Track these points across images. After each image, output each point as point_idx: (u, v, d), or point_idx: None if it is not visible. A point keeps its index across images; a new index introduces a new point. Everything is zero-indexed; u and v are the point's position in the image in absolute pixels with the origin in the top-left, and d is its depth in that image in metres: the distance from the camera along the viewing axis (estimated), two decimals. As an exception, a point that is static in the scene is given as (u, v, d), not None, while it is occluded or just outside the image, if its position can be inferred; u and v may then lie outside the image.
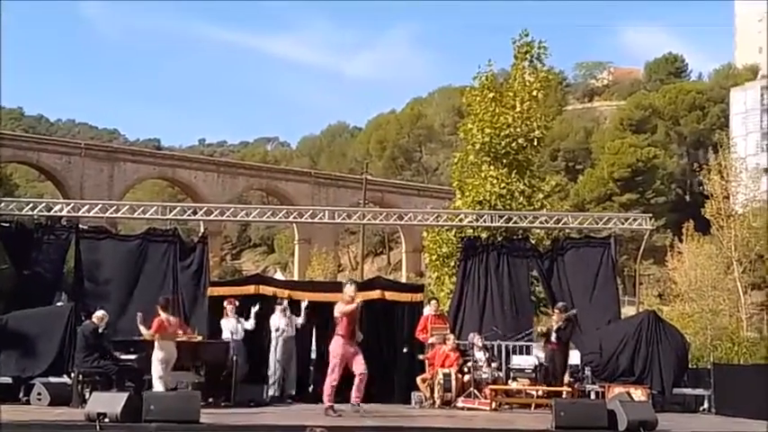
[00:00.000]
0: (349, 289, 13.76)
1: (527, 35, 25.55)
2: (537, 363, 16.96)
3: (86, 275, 17.99)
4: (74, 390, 14.48)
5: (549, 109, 30.37)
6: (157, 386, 13.49)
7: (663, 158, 71.81)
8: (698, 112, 78.03)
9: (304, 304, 16.83)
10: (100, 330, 14.85)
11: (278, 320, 16.49)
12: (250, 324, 16.42)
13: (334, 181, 73.95)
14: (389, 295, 17.97)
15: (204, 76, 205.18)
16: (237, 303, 16.53)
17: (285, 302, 16.79)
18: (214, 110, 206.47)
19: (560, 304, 16.79)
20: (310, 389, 17.10)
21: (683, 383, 16.88)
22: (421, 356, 16.87)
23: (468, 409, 15.34)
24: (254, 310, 16.48)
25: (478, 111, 24.87)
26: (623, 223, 19.45)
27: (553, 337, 16.07)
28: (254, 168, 75.54)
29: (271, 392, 16.05)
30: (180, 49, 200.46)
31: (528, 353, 17.40)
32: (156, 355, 13.78)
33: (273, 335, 16.45)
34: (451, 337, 16.66)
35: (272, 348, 16.45)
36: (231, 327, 16.21)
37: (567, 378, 16.14)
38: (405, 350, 17.40)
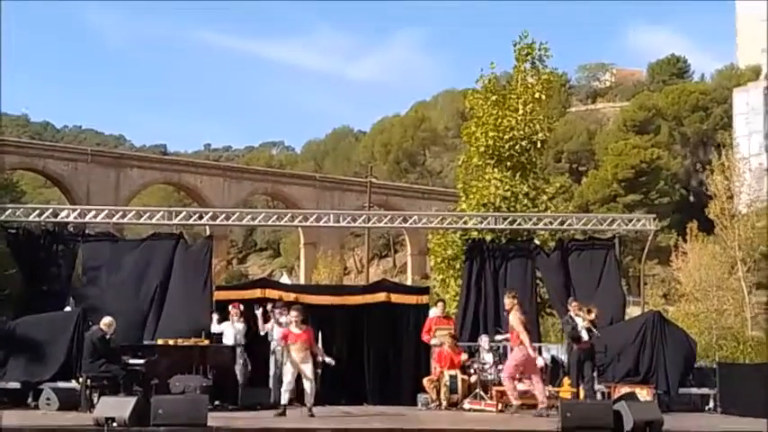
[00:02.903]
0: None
1: (527, 37, 25.62)
2: (543, 364, 17.00)
3: (92, 280, 18.05)
4: (82, 394, 14.52)
5: (552, 111, 30.44)
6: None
7: (666, 159, 71.79)
8: (701, 112, 77.99)
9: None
10: (107, 336, 14.92)
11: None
12: (262, 329, 16.30)
13: (339, 184, 73.99)
14: (395, 298, 18.06)
15: (209, 82, 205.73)
16: (242, 308, 16.57)
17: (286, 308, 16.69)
18: (219, 115, 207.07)
19: (572, 300, 16.50)
20: (317, 391, 17.12)
21: (689, 383, 16.91)
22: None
23: (475, 410, 15.40)
24: (259, 312, 16.46)
25: (481, 114, 24.92)
26: (627, 224, 19.51)
27: (585, 337, 15.47)
28: (259, 173, 75.70)
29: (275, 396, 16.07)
30: (185, 55, 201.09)
31: (540, 354, 17.42)
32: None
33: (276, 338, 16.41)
34: (444, 336, 16.67)
35: (273, 352, 16.41)
36: (235, 331, 16.23)
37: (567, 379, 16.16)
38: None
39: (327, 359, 14.62)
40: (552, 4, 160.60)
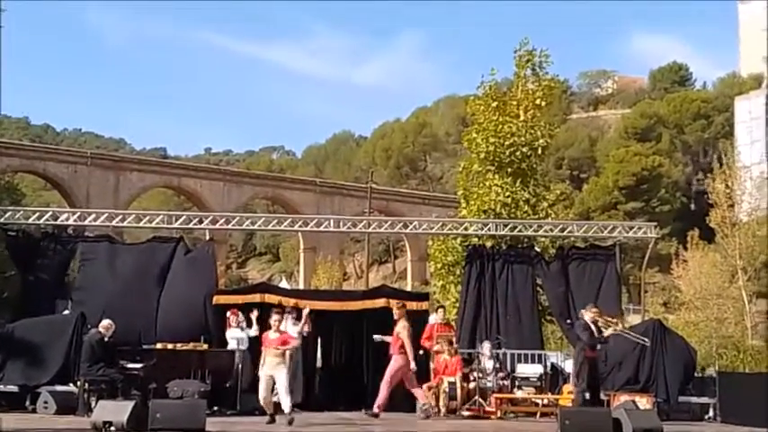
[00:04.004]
0: None
1: (528, 44, 25.64)
2: (542, 371, 16.96)
3: (90, 279, 18.00)
4: (80, 398, 14.51)
5: (553, 117, 30.42)
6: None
7: (668, 167, 71.77)
8: (702, 120, 77.98)
9: (306, 311, 16.72)
10: (106, 339, 14.89)
11: (288, 330, 16.42)
12: (254, 330, 16.25)
13: (339, 189, 73.99)
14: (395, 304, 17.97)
15: (210, 86, 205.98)
16: (240, 314, 16.51)
17: (294, 312, 16.70)
18: (220, 119, 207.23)
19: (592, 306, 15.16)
20: (316, 397, 17.13)
21: (689, 392, 16.87)
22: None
23: (473, 417, 15.35)
24: (254, 315, 16.40)
25: (482, 120, 24.92)
26: (628, 232, 19.47)
27: (598, 345, 14.50)
28: (259, 177, 75.69)
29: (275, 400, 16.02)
30: (186, 58, 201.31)
31: (540, 361, 17.39)
32: None
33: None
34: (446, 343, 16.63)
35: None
36: (236, 337, 16.20)
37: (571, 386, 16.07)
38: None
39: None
40: (553, 11, 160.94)
